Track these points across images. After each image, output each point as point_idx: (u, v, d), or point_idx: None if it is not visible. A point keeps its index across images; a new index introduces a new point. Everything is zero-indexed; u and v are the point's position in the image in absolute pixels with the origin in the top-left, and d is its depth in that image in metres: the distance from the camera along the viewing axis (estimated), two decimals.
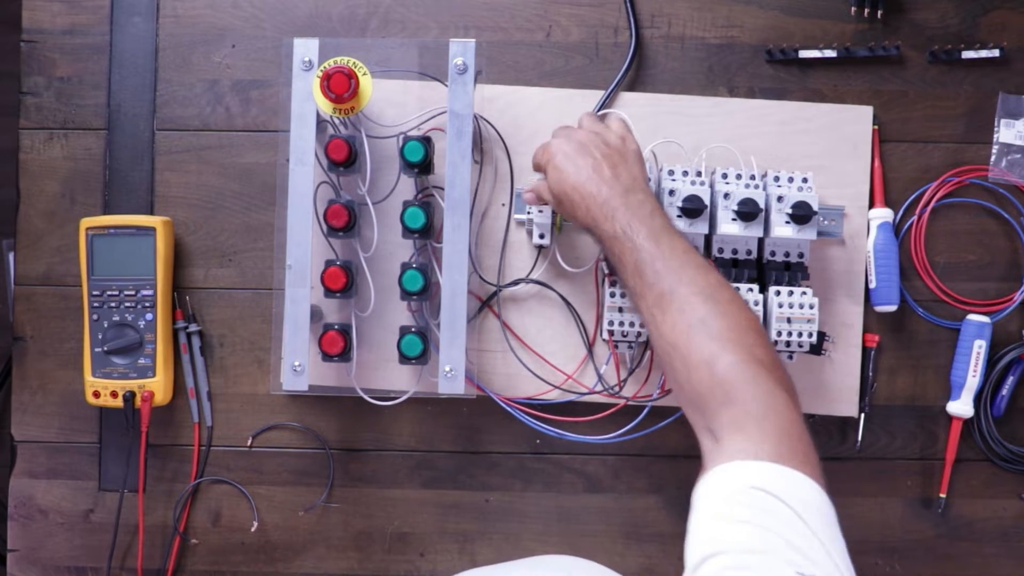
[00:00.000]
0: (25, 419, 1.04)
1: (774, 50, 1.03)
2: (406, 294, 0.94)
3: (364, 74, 0.92)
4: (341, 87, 0.90)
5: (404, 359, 0.95)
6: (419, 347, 0.94)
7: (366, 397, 0.98)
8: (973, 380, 1.01)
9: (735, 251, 0.95)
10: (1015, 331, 1.04)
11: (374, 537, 1.04)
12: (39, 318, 1.04)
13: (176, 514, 1.03)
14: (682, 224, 0.92)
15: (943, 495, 1.03)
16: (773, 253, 0.95)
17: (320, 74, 0.91)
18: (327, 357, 0.96)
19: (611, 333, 0.94)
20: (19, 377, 1.04)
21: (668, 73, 1.04)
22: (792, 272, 0.94)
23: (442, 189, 0.94)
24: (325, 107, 0.91)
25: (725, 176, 0.94)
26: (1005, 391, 1.03)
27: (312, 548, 1.04)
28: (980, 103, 1.04)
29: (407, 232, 0.94)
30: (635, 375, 0.99)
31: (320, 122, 0.95)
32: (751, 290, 0.92)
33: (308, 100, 0.93)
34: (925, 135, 1.04)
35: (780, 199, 0.92)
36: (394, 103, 1.00)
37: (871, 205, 1.02)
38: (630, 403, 0.98)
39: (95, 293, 1.00)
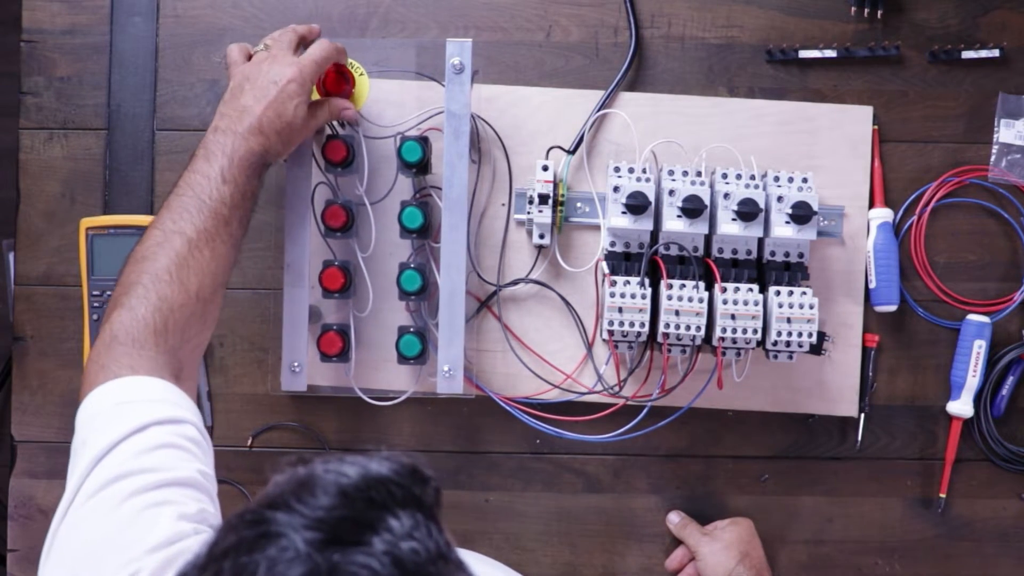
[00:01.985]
0: (25, 419, 1.04)
1: (774, 50, 1.03)
2: (404, 294, 0.94)
3: (361, 74, 0.92)
4: (338, 87, 0.90)
5: (403, 359, 0.95)
6: (417, 347, 0.94)
7: (365, 397, 0.98)
8: (973, 380, 1.01)
9: (735, 251, 0.95)
10: (1015, 331, 1.04)
11: None
12: (39, 318, 1.04)
13: None
14: (682, 224, 0.92)
15: (943, 495, 1.03)
16: (773, 253, 0.95)
17: None
18: (326, 357, 0.96)
19: (611, 333, 0.94)
20: (19, 377, 1.04)
21: (668, 73, 1.04)
22: (792, 272, 0.94)
23: (440, 189, 0.94)
24: None
25: (725, 176, 0.94)
26: (1005, 391, 1.03)
27: None
28: (980, 103, 1.04)
29: (405, 232, 0.94)
30: (635, 375, 0.99)
31: None
32: (751, 290, 0.92)
33: None
34: (925, 135, 1.04)
35: (780, 199, 0.92)
36: (392, 103, 0.99)
37: (871, 205, 1.02)
38: (630, 403, 0.98)
39: (95, 293, 1.00)
